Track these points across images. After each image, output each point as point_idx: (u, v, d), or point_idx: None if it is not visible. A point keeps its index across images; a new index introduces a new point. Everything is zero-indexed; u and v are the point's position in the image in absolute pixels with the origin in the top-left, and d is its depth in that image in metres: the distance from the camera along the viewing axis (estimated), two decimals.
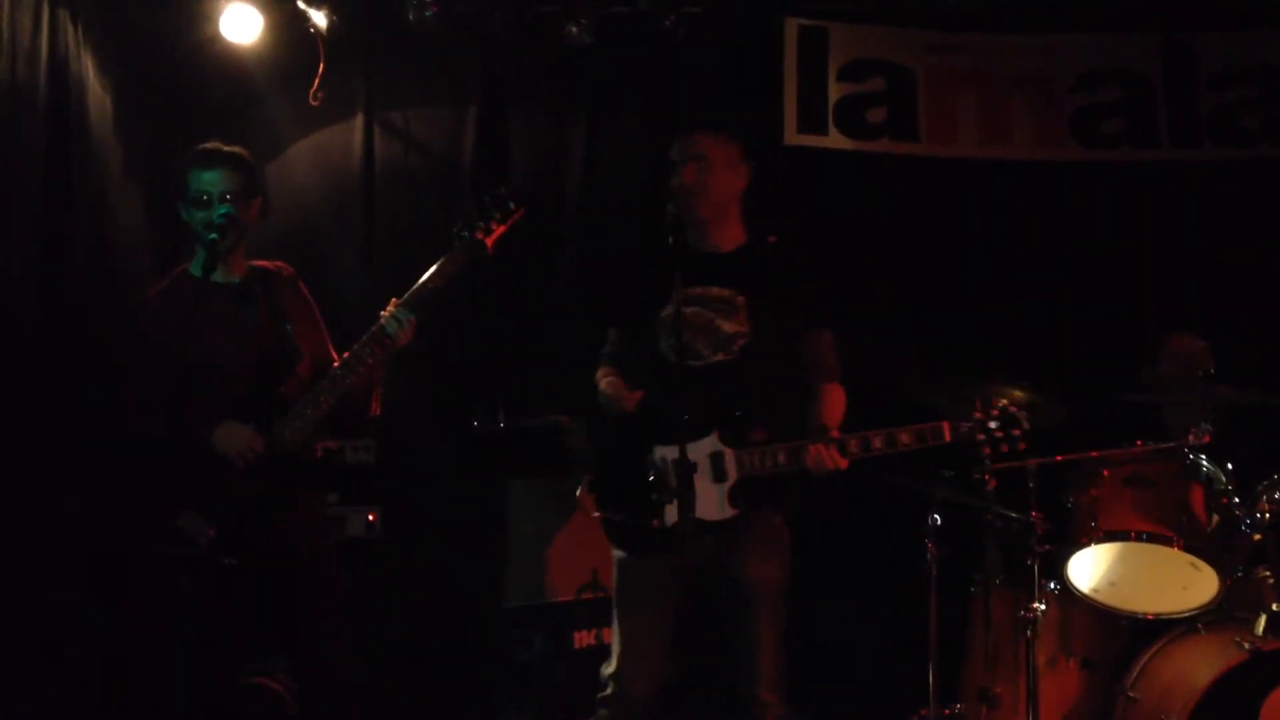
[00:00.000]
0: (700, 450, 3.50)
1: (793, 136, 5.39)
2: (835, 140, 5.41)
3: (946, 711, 4.30)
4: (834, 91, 5.44)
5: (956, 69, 5.51)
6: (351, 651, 3.92)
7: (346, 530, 4.62)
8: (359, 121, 5.22)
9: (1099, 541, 4.06)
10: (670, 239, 3.39)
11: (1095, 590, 4.10)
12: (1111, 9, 5.43)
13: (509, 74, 5.32)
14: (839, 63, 5.45)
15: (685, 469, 3.29)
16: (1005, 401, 3.53)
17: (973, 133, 5.50)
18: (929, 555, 4.31)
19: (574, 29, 5.12)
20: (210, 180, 3.65)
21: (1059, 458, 4.22)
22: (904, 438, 3.50)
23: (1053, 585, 4.15)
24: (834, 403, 3.63)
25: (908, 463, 3.64)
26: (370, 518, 4.67)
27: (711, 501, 3.48)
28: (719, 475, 3.50)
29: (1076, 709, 4.13)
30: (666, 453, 3.47)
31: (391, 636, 4.79)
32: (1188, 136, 5.42)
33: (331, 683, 3.78)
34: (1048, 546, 4.14)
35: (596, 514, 3.61)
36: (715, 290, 3.63)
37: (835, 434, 3.51)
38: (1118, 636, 4.19)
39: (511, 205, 3.70)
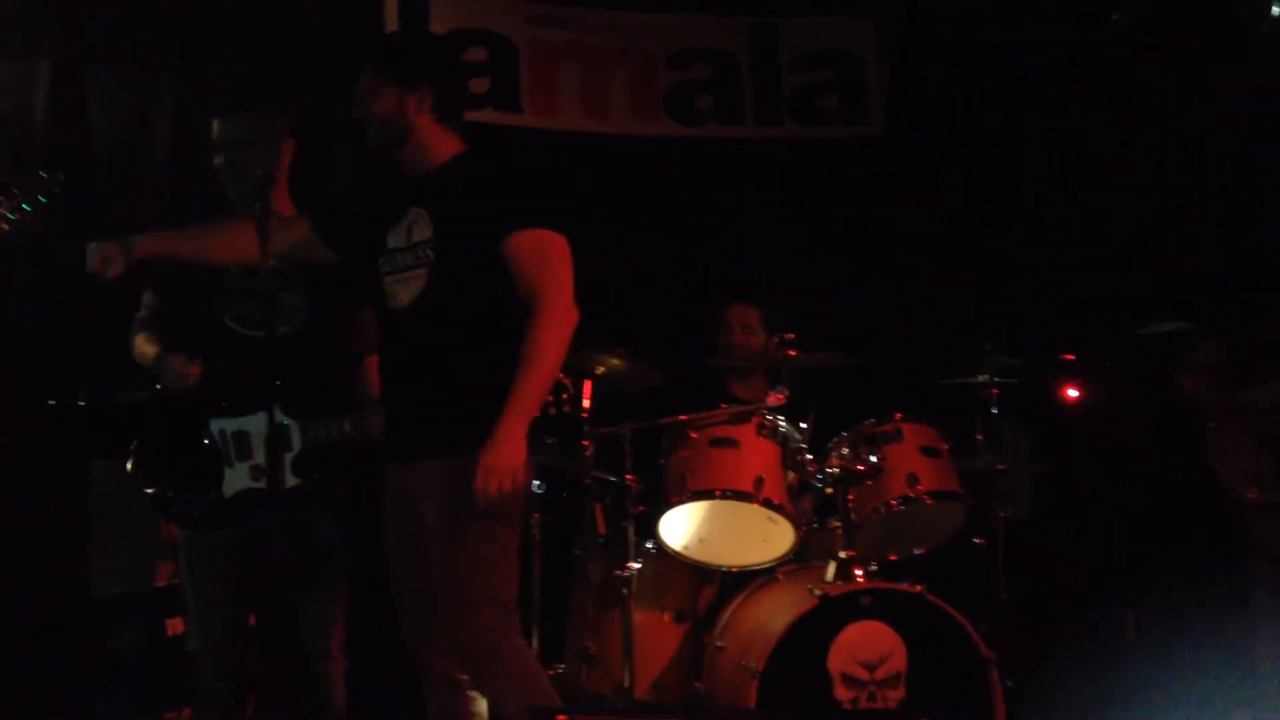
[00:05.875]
0: (262, 421, 3.44)
1: None
2: None
3: (549, 672, 4.40)
4: None
5: (558, 41, 5.60)
6: None
7: None
8: None
9: (688, 500, 4.21)
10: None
11: (686, 547, 4.28)
12: None
13: (87, 26, 4.96)
14: (441, 31, 5.40)
15: (278, 435, 3.36)
16: None
17: (575, 106, 5.61)
18: (532, 521, 4.41)
19: None
20: None
21: (648, 423, 4.39)
22: None
23: (649, 544, 4.31)
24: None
25: None
26: None
27: (272, 469, 3.47)
28: (283, 446, 3.51)
29: (672, 662, 4.32)
30: (225, 425, 3.54)
31: None
32: (770, 115, 5.75)
33: None
34: (643, 507, 4.30)
35: (148, 491, 3.56)
36: (271, 263, 3.58)
37: None
38: (708, 590, 4.43)
39: (15, 191, 3.40)
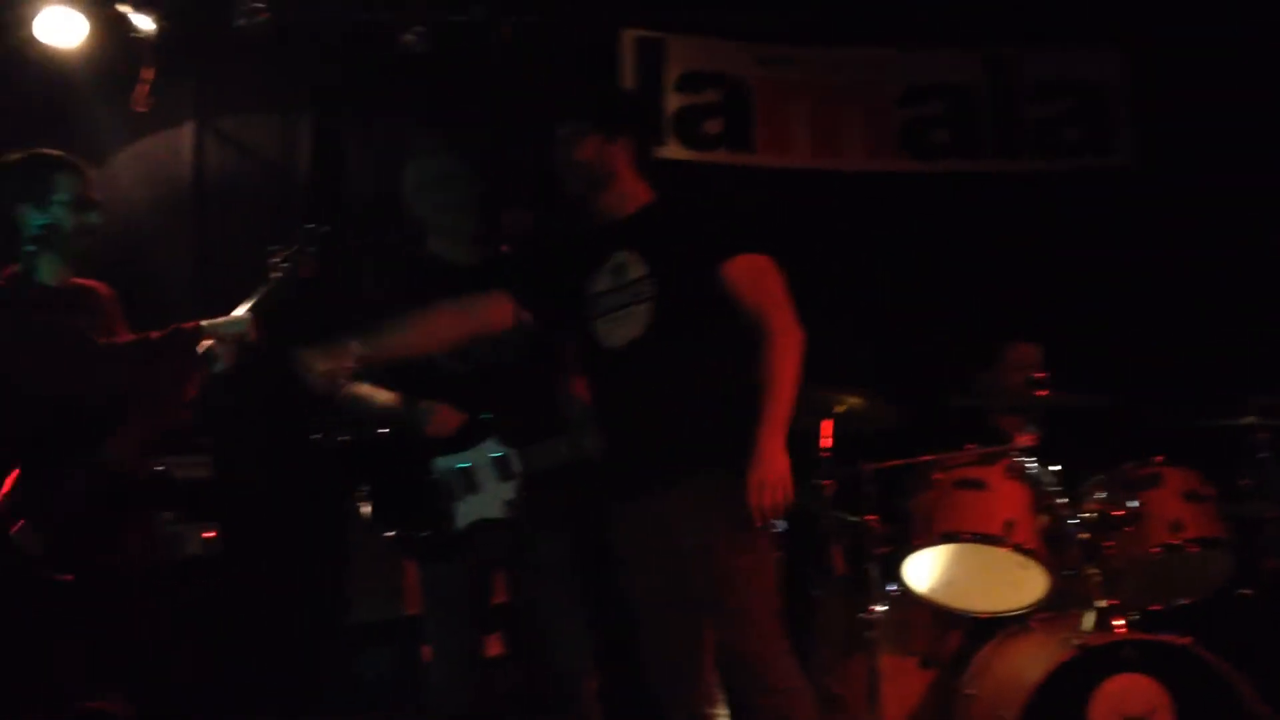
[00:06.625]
0: (483, 453, 3.63)
1: None
2: (674, 151, 5.47)
3: None
4: (671, 102, 5.50)
5: (788, 81, 5.64)
6: (190, 673, 3.82)
7: (184, 548, 4.47)
8: (189, 128, 5.09)
9: (934, 543, 4.15)
10: None
11: (932, 591, 4.20)
12: (935, 23, 5.61)
13: (344, 81, 5.24)
14: (675, 74, 5.52)
15: (503, 466, 3.58)
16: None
17: (807, 144, 5.63)
18: None
19: (409, 37, 5.08)
20: (76, 184, 3.63)
21: (891, 462, 4.33)
22: None
23: (892, 587, 4.24)
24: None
25: None
26: (207, 535, 4.54)
27: (500, 500, 3.61)
28: (505, 475, 3.62)
29: (917, 708, 4.23)
30: (449, 461, 3.65)
31: (233, 656, 4.66)
32: (1010, 148, 5.65)
33: (169, 706, 3.69)
34: (886, 549, 4.23)
35: (388, 534, 3.67)
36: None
37: None
38: (955, 635, 4.32)
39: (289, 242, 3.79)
